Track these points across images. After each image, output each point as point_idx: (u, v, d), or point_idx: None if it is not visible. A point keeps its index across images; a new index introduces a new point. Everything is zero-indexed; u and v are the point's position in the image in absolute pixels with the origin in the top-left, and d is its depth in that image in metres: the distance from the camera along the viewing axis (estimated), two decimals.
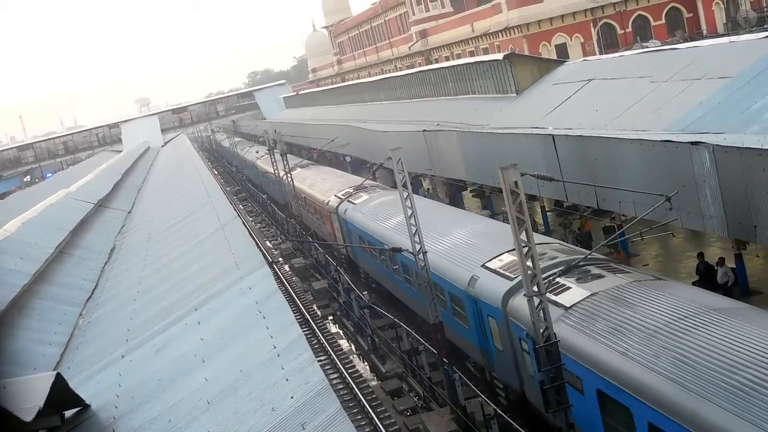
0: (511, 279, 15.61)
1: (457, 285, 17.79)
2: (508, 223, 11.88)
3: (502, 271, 16.38)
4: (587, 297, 13.46)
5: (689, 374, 10.06)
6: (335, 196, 32.11)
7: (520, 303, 14.35)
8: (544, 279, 14.09)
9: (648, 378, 10.59)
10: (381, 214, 25.85)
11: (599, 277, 14.19)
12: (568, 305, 13.62)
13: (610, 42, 66.73)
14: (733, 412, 9.19)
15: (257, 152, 60.62)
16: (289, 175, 38.43)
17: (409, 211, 17.40)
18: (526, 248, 11.71)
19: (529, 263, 11.70)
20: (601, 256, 16.74)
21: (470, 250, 18.58)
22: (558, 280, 14.66)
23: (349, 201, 30.02)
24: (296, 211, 40.39)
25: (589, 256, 15.43)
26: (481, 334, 16.93)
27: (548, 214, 31.81)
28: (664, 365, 10.45)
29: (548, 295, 13.69)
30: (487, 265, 17.12)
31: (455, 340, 18.92)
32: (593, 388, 12.04)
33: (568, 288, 14.21)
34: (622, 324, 12.06)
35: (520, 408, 15.95)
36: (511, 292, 15.35)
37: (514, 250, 15.91)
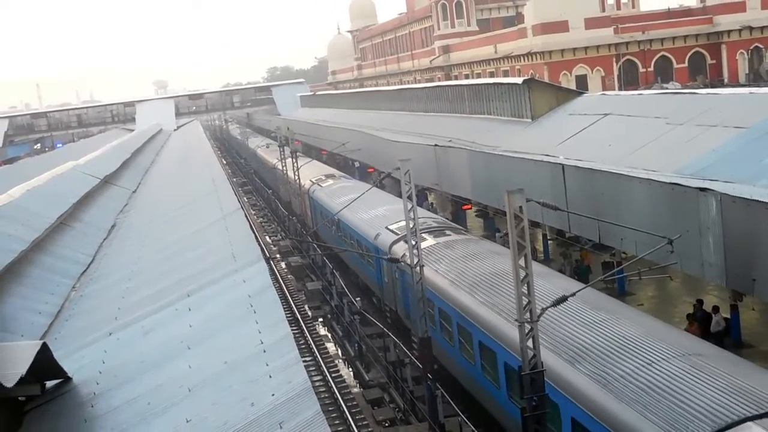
0: (398, 234, 23.38)
1: (368, 239, 25.92)
2: (508, 247, 11.86)
3: (395, 230, 24.19)
4: (433, 245, 21.65)
5: (460, 278, 18.47)
6: (309, 180, 39.94)
7: (397, 248, 22.65)
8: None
9: (441, 281, 19.11)
10: (335, 194, 34.05)
11: (447, 235, 22.59)
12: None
13: (630, 79, 66.88)
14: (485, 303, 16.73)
15: (266, 146, 60.79)
16: (296, 173, 38.57)
17: (411, 224, 17.39)
18: (524, 274, 11.66)
19: (524, 290, 11.65)
20: (459, 227, 26.10)
21: (382, 218, 26.45)
22: (423, 235, 21.42)
23: (317, 184, 38.49)
24: (300, 209, 40.61)
25: (446, 224, 24.91)
26: (379, 273, 24.69)
27: (549, 242, 31.79)
28: (455, 276, 18.72)
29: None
30: (388, 226, 25.14)
31: (366, 281, 27.86)
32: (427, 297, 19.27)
33: (426, 239, 21.67)
34: (442, 257, 20.50)
35: (399, 326, 23.31)
36: (394, 242, 23.39)
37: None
